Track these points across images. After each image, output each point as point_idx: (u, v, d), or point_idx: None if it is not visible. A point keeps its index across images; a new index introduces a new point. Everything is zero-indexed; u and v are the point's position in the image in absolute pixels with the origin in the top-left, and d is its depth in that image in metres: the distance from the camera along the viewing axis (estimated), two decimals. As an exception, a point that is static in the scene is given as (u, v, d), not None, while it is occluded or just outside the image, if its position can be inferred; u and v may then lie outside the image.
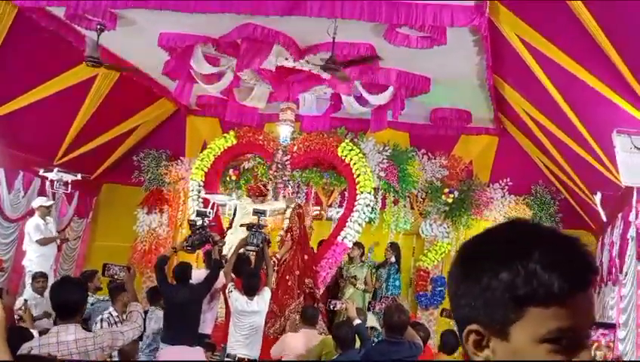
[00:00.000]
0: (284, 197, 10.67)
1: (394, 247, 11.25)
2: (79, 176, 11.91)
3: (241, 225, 9.47)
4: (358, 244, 11.15)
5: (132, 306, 5.41)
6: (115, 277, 6.02)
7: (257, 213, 9.09)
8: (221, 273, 8.32)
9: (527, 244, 1.21)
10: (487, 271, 1.21)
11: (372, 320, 9.28)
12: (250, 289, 8.05)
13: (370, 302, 10.18)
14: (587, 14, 5.41)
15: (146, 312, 8.78)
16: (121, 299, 7.55)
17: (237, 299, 7.93)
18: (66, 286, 4.92)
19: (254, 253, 8.96)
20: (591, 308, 1.23)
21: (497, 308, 1.20)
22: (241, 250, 8.98)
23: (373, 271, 11.15)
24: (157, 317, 8.59)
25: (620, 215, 8.09)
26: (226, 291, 8.18)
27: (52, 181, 11.52)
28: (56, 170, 11.48)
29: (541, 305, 1.17)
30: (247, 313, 8.00)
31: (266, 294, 8.21)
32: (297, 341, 7.70)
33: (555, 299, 1.17)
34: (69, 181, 11.74)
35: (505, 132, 12.08)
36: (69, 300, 4.64)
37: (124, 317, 7.05)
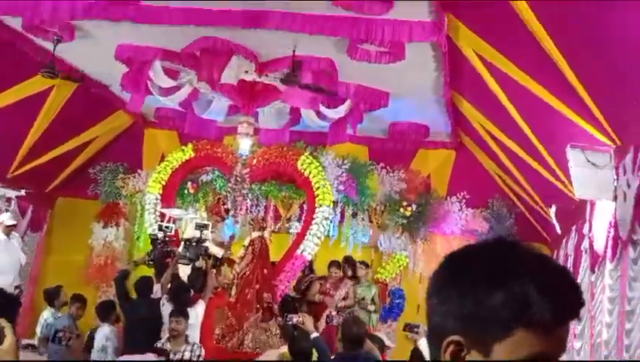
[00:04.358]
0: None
1: (349, 261, 11.20)
2: (23, 192, 11.69)
3: (182, 239, 9.48)
4: (365, 263, 11.10)
5: None
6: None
7: (199, 227, 9.12)
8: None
9: (524, 266, 1.23)
10: (481, 286, 1.21)
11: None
12: (180, 303, 8.05)
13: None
14: (543, 32, 5.54)
15: (94, 329, 8.73)
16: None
17: (169, 311, 7.98)
18: None
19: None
20: (567, 337, 1.27)
21: (487, 325, 1.20)
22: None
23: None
24: (103, 334, 8.51)
25: (574, 227, 8.25)
26: (160, 303, 8.20)
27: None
28: None
29: (530, 329, 1.19)
30: None
31: (198, 307, 8.23)
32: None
33: (544, 327, 1.19)
34: (13, 197, 11.53)
35: (462, 146, 12.22)
36: None
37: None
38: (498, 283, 1.20)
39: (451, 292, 1.25)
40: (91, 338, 8.73)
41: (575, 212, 7.84)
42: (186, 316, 7.63)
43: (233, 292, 9.90)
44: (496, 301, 1.19)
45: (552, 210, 8.20)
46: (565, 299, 1.22)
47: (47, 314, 9.32)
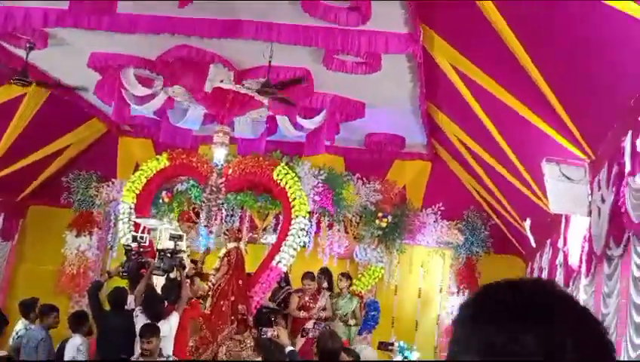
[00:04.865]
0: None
1: (325, 273, 11.14)
2: None
3: (157, 250, 9.37)
4: (346, 275, 11.04)
5: None
6: None
7: (173, 237, 9.02)
8: None
9: (566, 317, 1.16)
10: (518, 324, 1.14)
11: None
12: (153, 315, 7.94)
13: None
14: (519, 46, 5.54)
15: (66, 340, 8.62)
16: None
17: (142, 323, 7.86)
18: None
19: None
20: None
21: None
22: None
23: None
24: (74, 345, 8.39)
25: (548, 241, 8.27)
26: (134, 315, 8.10)
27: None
28: None
29: None
30: None
31: (172, 319, 8.13)
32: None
33: None
34: None
35: (437, 158, 12.25)
36: None
37: None
38: (538, 326, 1.13)
39: (484, 324, 1.17)
40: (62, 348, 8.60)
41: (550, 225, 7.86)
42: (157, 333, 7.48)
43: (208, 303, 9.81)
44: (532, 343, 1.11)
45: (527, 223, 8.21)
46: (598, 357, 1.16)
47: (19, 326, 9.20)
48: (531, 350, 1.11)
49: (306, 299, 10.46)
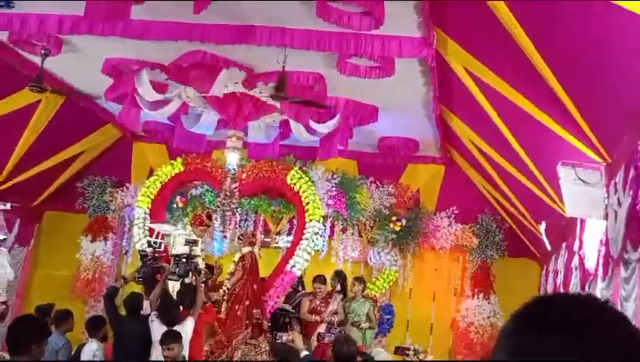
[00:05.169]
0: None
1: (340, 275, 11.13)
2: (8, 206, 11.63)
3: (171, 255, 9.42)
4: (359, 279, 11.05)
5: None
6: None
7: (189, 243, 9.07)
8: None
9: (623, 342, 1.14)
10: (573, 344, 1.13)
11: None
12: (168, 320, 7.94)
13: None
14: (532, 49, 5.52)
15: (82, 345, 8.68)
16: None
17: (157, 328, 7.87)
18: (21, 324, 4.75)
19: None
20: None
21: None
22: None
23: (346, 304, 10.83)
24: (90, 350, 8.43)
25: (564, 244, 8.23)
26: (149, 320, 8.12)
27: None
28: None
29: None
30: None
31: (187, 324, 8.12)
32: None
33: None
34: None
35: (451, 161, 12.22)
36: (19, 338, 4.45)
37: None
38: (591, 346, 1.12)
39: (524, 337, 1.17)
40: (78, 353, 8.66)
41: (565, 229, 7.82)
42: (178, 339, 7.34)
43: (223, 308, 9.83)
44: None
45: (542, 227, 8.17)
46: None
47: None
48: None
49: (317, 302, 10.45)
